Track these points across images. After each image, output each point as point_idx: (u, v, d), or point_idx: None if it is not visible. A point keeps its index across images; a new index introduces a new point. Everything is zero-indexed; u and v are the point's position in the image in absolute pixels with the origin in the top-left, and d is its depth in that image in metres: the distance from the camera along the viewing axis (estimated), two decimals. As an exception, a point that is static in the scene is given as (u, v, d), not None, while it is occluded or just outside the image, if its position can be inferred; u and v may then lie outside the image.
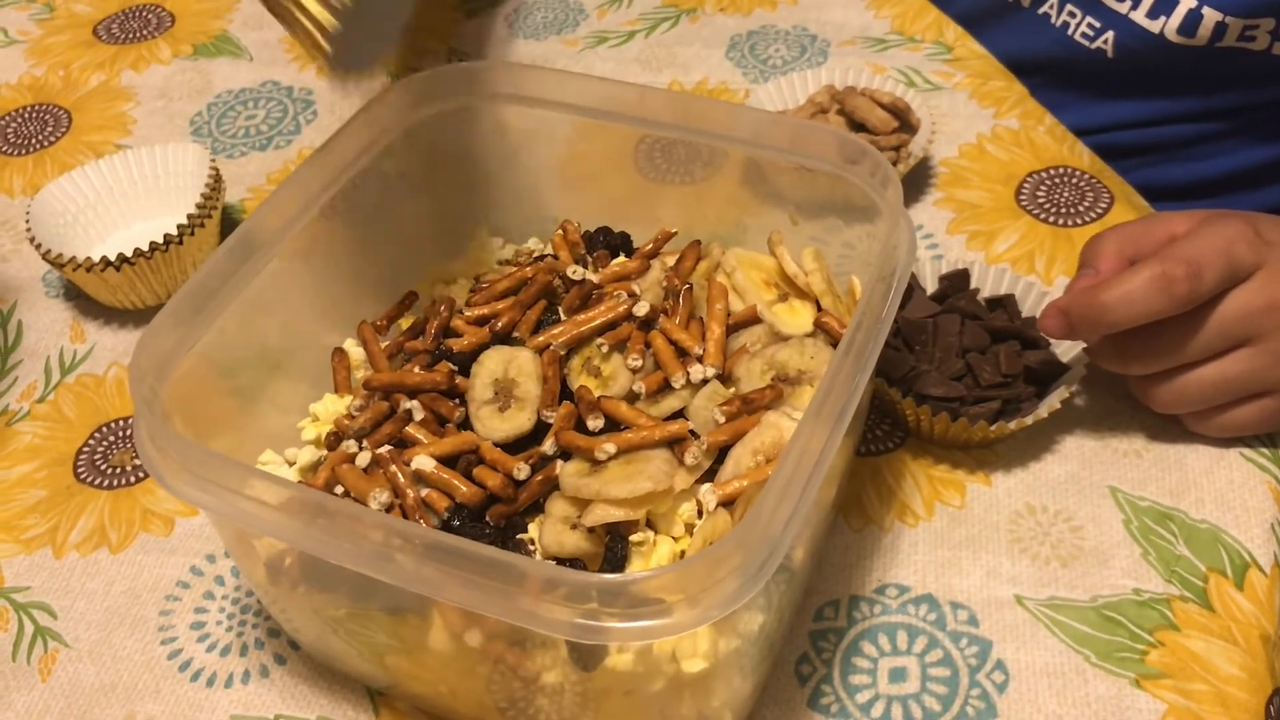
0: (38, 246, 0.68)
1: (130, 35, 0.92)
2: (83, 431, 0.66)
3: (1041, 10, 0.80)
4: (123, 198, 0.74)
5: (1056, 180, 0.73)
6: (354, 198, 0.58)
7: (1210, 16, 0.71)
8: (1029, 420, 0.57)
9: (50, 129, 0.84)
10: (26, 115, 0.86)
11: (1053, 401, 0.57)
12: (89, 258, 0.67)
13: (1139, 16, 0.74)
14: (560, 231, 0.61)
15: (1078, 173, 0.73)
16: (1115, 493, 0.58)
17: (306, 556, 0.47)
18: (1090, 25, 0.77)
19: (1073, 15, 0.78)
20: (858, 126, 0.72)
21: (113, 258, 0.66)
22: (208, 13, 0.93)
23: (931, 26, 0.84)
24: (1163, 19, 0.73)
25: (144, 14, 0.94)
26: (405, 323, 0.59)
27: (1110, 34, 0.77)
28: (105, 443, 0.65)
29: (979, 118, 0.77)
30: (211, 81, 0.87)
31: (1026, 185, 0.72)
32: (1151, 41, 0.75)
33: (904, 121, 0.72)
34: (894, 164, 0.70)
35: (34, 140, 0.84)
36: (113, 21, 0.93)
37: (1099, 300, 0.54)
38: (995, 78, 0.80)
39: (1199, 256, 0.53)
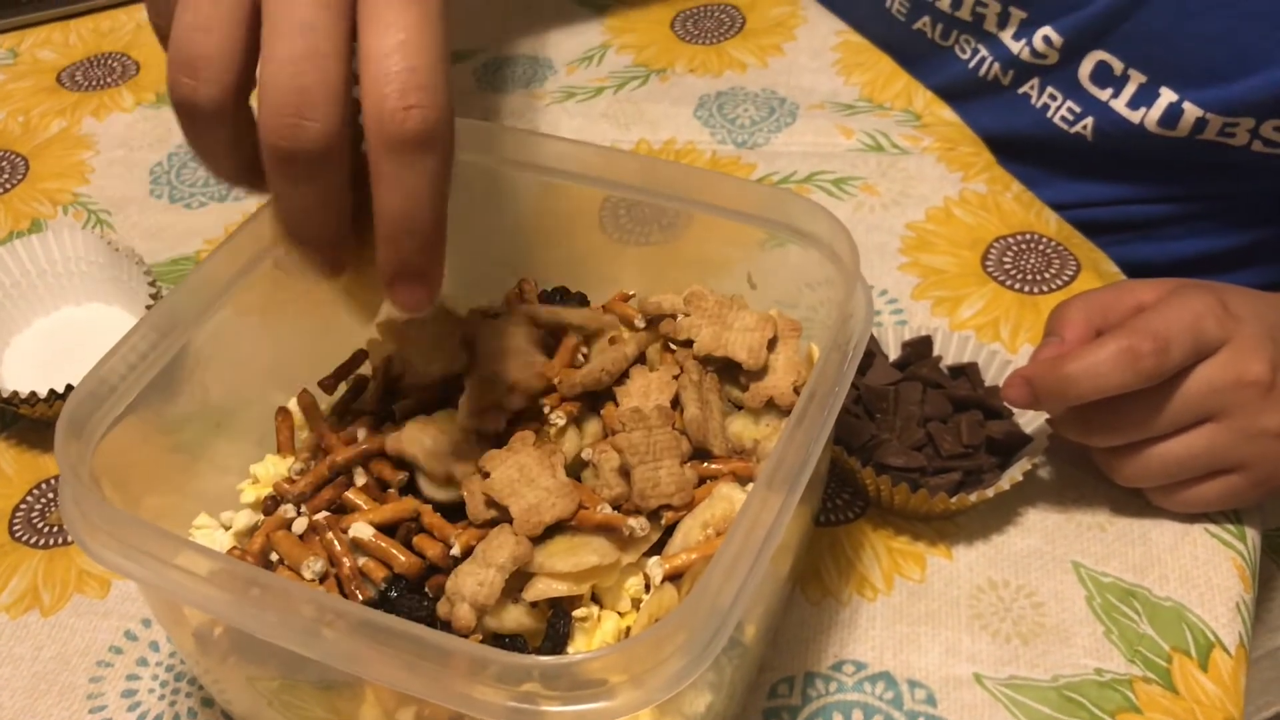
0: None
1: (94, 83, 0.91)
2: (21, 488, 0.64)
3: (1022, 90, 0.80)
4: (19, 295, 0.69)
5: (1023, 246, 0.72)
6: (306, 252, 0.57)
7: (1191, 112, 0.71)
8: (990, 492, 0.56)
9: (6, 176, 0.83)
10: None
11: (1015, 473, 0.56)
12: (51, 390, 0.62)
13: (1119, 106, 0.74)
14: (516, 289, 0.60)
15: (1044, 239, 0.72)
16: (1078, 568, 0.56)
17: (236, 627, 0.45)
18: (1070, 110, 0.77)
19: (1053, 98, 0.78)
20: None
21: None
22: (174, 61, 0.92)
23: (901, 95, 0.83)
24: (1143, 110, 0.73)
25: (109, 62, 0.93)
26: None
27: (1090, 120, 0.76)
28: (43, 500, 0.63)
29: (946, 181, 0.77)
30: (173, 130, 0.86)
31: (993, 251, 0.72)
32: (1131, 131, 0.74)
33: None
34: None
35: (-11, 186, 0.82)
36: (77, 69, 0.92)
37: (1064, 372, 0.53)
38: (963, 144, 0.79)
39: (1166, 331, 0.52)
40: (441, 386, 0.53)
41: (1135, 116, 0.74)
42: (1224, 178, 0.77)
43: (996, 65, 0.81)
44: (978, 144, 0.80)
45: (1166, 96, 0.72)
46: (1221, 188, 0.78)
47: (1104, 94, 0.75)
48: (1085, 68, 0.76)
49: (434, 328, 0.54)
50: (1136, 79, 0.73)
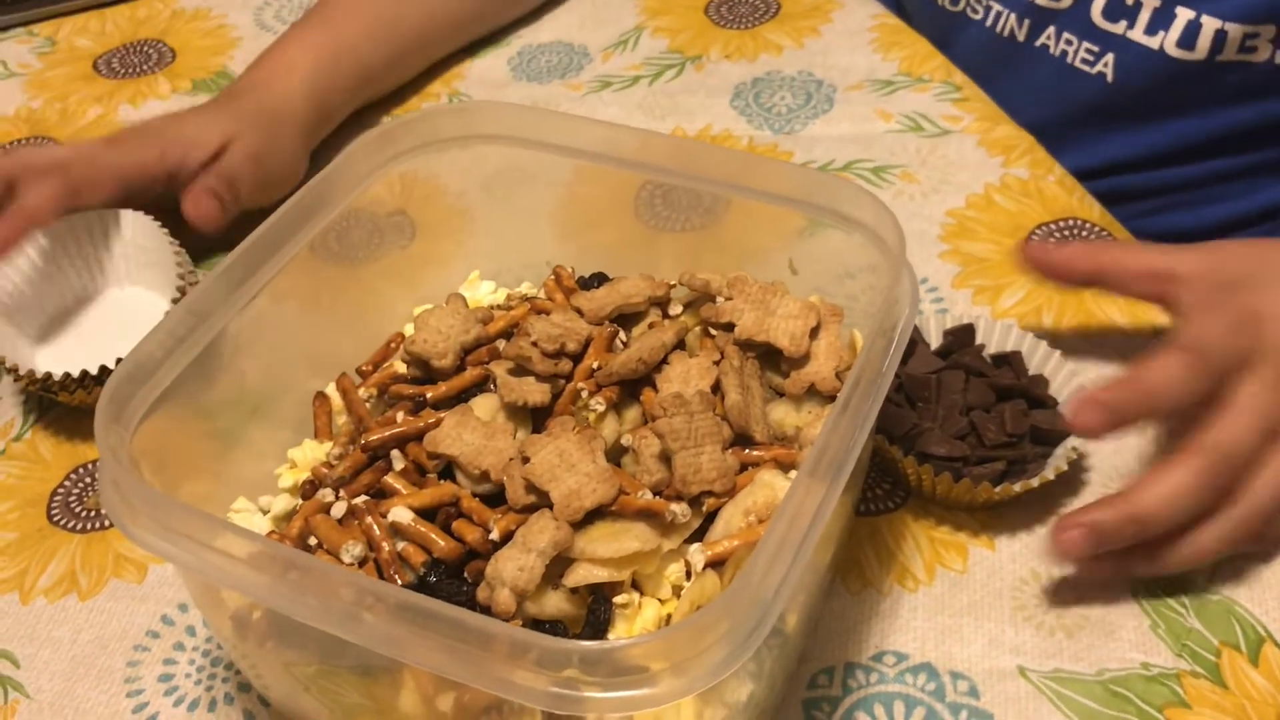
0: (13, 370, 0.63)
1: (130, 70, 0.91)
2: (59, 472, 0.64)
3: (1039, 42, 0.80)
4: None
5: (1066, 233, 0.71)
6: (342, 237, 0.57)
7: (1209, 25, 0.71)
8: (1034, 482, 0.55)
9: (44, 162, 0.83)
10: (20, 148, 0.85)
11: (1059, 463, 0.55)
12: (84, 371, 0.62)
13: (1137, 35, 0.74)
14: (553, 276, 0.59)
15: (1088, 225, 0.71)
16: (1124, 560, 0.55)
17: (274, 611, 0.45)
18: (1088, 51, 0.77)
19: (1069, 43, 0.78)
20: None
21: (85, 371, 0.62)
22: (209, 49, 0.92)
23: (940, 67, 0.82)
24: (1161, 34, 0.73)
25: (145, 49, 0.93)
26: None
27: (1109, 56, 0.76)
28: (81, 484, 0.63)
29: (986, 166, 0.76)
30: (209, 117, 0.86)
31: (1035, 238, 0.71)
32: (1151, 59, 0.74)
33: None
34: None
35: (27, 173, 0.82)
36: (113, 56, 0.92)
37: (1137, 513, 0.50)
38: (1003, 123, 0.78)
39: (1235, 446, 0.51)
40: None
41: (1154, 42, 0.74)
42: (1249, 104, 0.76)
43: (1012, 17, 0.81)
44: (1018, 125, 0.78)
45: (1184, 15, 0.72)
46: (1247, 118, 0.77)
47: (1118, 27, 0.75)
48: (1098, 4, 0.76)
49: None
50: (1150, 3, 0.73)
